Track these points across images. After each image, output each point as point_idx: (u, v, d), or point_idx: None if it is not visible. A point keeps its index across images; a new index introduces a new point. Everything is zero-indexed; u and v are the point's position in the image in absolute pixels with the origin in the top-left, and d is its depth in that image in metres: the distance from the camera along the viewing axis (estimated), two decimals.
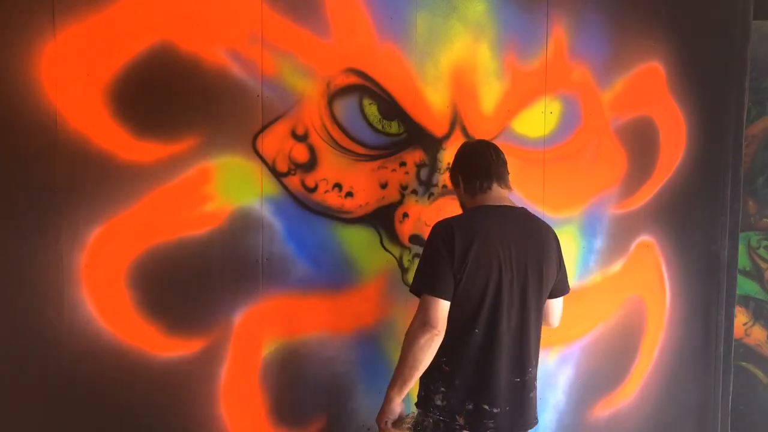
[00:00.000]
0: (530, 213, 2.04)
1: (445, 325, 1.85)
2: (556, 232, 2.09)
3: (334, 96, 2.28)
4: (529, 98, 2.71)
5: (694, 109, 3.14)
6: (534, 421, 1.99)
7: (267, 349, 2.25)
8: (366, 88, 2.34)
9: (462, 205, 2.15)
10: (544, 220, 2.19)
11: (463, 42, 2.52)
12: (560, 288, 2.09)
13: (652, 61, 3.01)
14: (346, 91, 2.30)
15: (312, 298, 2.29)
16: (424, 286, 1.86)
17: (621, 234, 3.02)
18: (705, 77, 3.15)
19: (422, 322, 1.83)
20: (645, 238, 3.10)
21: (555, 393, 2.94)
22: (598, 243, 2.97)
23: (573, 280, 2.92)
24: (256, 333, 2.22)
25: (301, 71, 2.21)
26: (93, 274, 1.96)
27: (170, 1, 2.00)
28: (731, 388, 3.42)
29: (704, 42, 3.13)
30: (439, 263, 1.84)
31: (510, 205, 2.00)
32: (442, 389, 1.91)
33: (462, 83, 2.54)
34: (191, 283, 2.10)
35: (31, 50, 1.84)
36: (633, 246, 3.07)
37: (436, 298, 1.83)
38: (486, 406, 1.88)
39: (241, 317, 2.18)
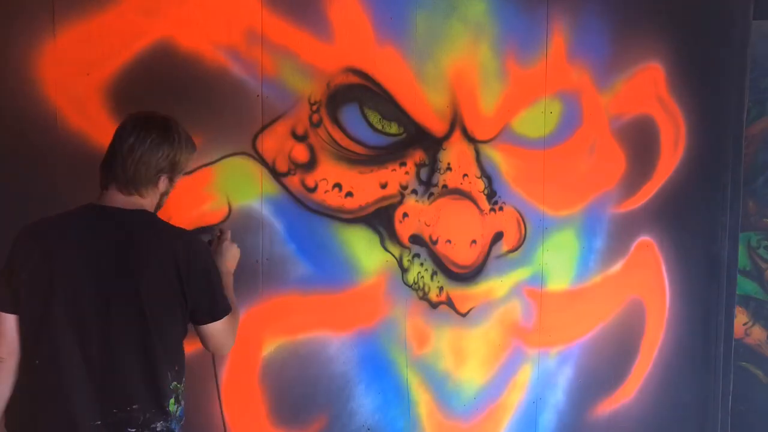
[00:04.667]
0: (149, 219, 1.57)
1: (12, 348, 1.49)
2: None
3: (334, 96, 2.28)
4: (529, 98, 2.71)
5: (694, 109, 3.14)
6: None
7: (267, 349, 2.24)
8: (366, 88, 2.34)
9: None
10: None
11: (463, 42, 2.52)
12: (201, 311, 1.58)
13: (652, 61, 3.01)
14: (346, 91, 2.30)
15: (312, 298, 2.29)
16: None
17: (621, 234, 3.02)
18: (705, 77, 3.15)
19: None
20: (645, 238, 3.10)
21: (555, 393, 2.94)
22: (598, 243, 2.97)
23: (573, 280, 2.92)
24: (256, 333, 2.22)
25: (301, 71, 2.21)
26: None
27: (170, 1, 2.00)
28: (731, 388, 3.42)
29: (704, 42, 3.13)
30: (3, 271, 1.50)
31: (122, 207, 1.53)
32: None
33: (462, 83, 2.54)
34: None
35: (31, 50, 1.83)
36: (633, 246, 3.06)
37: None
38: None
39: (241, 317, 2.18)
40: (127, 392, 1.50)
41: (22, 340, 1.50)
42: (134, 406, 1.49)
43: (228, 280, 1.71)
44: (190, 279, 1.53)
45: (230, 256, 1.75)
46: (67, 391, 1.47)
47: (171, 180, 1.61)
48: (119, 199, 1.53)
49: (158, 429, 1.53)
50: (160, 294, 1.51)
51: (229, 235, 1.78)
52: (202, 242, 1.67)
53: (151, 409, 1.51)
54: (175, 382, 1.57)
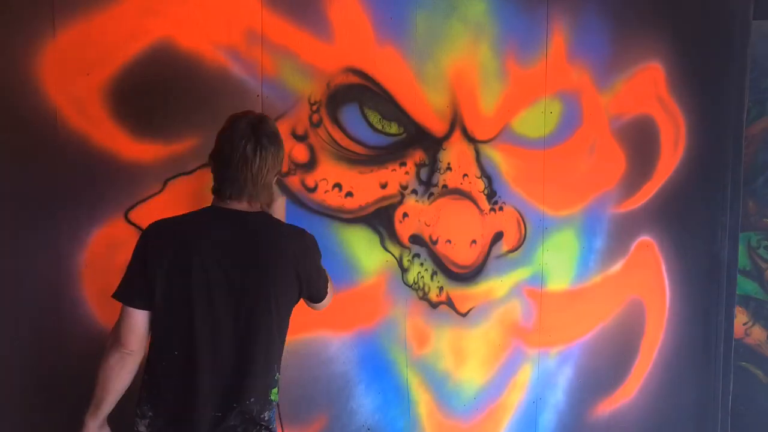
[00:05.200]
0: (269, 220, 1.70)
1: (143, 342, 1.60)
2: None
3: (334, 96, 2.28)
4: (529, 98, 2.71)
5: (694, 109, 3.14)
6: None
7: None
8: (366, 88, 2.34)
9: None
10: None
11: (463, 42, 2.52)
12: (312, 297, 1.80)
13: (652, 61, 3.01)
14: (346, 90, 2.30)
15: None
16: (118, 293, 1.59)
17: (621, 234, 3.02)
18: (705, 77, 3.15)
19: (114, 337, 1.58)
20: (645, 238, 3.10)
21: (555, 393, 2.94)
22: (598, 243, 2.97)
23: (573, 280, 2.93)
24: None
25: (301, 71, 2.21)
26: (93, 274, 1.95)
27: (170, 1, 2.00)
28: (731, 388, 3.42)
29: (704, 42, 3.13)
30: (135, 267, 1.58)
31: (244, 210, 1.64)
32: (150, 414, 1.61)
33: (462, 83, 2.54)
34: None
35: (31, 50, 1.83)
36: (633, 246, 3.07)
37: (128, 308, 1.57)
38: None
39: None
40: (248, 388, 1.60)
41: (160, 330, 1.59)
42: (251, 399, 1.61)
43: None
44: (306, 273, 1.69)
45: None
46: (198, 382, 1.56)
47: (279, 173, 1.74)
48: (242, 205, 1.64)
49: (266, 419, 1.65)
50: (283, 291, 1.64)
51: None
52: (313, 239, 1.77)
53: (261, 401, 1.64)
54: (278, 374, 1.71)
